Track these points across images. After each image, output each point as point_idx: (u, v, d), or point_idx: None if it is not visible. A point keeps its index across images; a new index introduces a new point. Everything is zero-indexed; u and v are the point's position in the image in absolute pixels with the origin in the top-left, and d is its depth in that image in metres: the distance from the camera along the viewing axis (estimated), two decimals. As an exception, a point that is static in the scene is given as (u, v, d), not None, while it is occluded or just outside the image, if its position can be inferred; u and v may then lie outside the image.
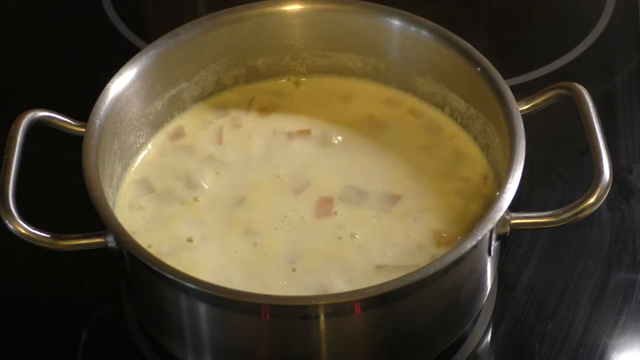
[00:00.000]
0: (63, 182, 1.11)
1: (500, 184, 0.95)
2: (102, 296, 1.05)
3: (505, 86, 0.99)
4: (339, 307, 0.87)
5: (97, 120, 0.97)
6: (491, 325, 1.02)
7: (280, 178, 1.02)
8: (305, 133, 1.06)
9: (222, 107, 1.09)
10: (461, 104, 1.05)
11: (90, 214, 0.91)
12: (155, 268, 0.87)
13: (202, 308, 0.89)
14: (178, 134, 1.07)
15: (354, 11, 1.07)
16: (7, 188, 0.93)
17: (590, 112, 0.97)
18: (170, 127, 1.07)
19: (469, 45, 1.03)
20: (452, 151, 1.05)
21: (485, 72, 1.00)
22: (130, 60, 1.02)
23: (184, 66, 1.06)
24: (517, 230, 0.94)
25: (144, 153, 1.05)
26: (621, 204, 1.11)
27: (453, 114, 1.07)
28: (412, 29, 1.05)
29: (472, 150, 1.04)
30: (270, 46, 1.09)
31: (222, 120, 1.08)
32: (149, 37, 1.16)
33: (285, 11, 1.07)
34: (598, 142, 0.95)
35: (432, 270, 0.86)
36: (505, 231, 0.93)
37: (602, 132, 0.96)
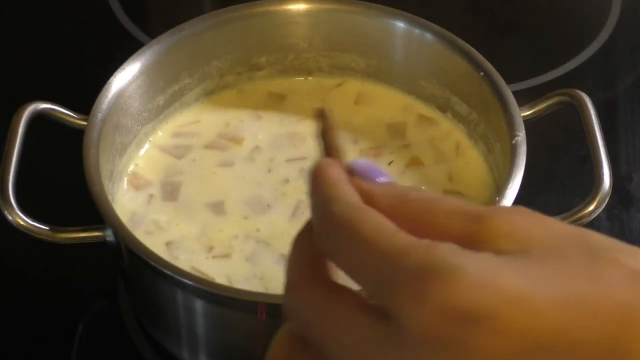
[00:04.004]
0: (63, 176, 1.11)
1: (500, 189, 0.95)
2: (99, 292, 1.05)
3: (507, 91, 0.99)
4: (336, 307, 0.87)
5: (99, 114, 0.97)
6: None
7: (284, 178, 1.02)
8: (309, 135, 1.06)
9: (225, 105, 1.09)
10: (463, 107, 1.05)
11: (90, 209, 0.91)
12: (153, 264, 0.87)
13: (199, 305, 0.89)
14: (179, 131, 1.06)
15: (358, 12, 1.07)
16: (7, 180, 0.92)
17: (591, 119, 0.97)
18: (172, 123, 1.07)
19: (473, 49, 1.02)
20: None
21: (488, 77, 1.00)
22: (133, 55, 1.01)
23: (187, 62, 1.06)
24: (516, 235, 0.93)
25: (144, 150, 1.05)
26: (620, 212, 1.11)
27: (455, 118, 1.06)
28: (416, 31, 1.05)
29: (472, 154, 1.04)
30: (274, 45, 1.09)
31: (225, 118, 1.08)
32: (153, 32, 1.16)
33: (290, 10, 1.07)
34: (599, 150, 0.95)
35: (430, 273, 0.86)
36: (504, 236, 0.93)
37: (603, 139, 0.96)
